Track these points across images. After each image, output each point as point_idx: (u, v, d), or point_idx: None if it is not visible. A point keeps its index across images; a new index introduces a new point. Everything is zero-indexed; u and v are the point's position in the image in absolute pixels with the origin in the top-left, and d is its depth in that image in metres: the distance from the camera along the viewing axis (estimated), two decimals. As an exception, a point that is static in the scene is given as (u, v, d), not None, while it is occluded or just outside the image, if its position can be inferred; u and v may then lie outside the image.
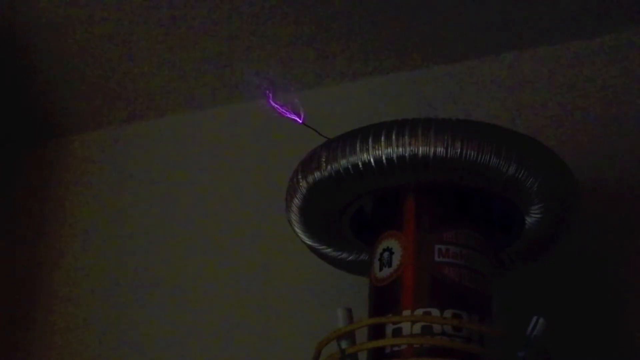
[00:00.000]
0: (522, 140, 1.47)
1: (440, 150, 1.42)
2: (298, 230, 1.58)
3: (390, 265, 1.47)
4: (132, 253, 1.98)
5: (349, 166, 1.46)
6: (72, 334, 1.95)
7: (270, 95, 1.60)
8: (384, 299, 1.47)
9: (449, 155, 1.42)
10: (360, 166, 1.45)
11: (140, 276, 1.95)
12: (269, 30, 1.87)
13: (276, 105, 1.59)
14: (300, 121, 1.58)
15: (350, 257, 1.62)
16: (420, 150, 1.42)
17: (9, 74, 1.99)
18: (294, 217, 1.56)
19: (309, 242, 1.60)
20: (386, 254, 1.48)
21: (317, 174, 1.48)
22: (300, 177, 1.51)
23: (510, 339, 1.45)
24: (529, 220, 1.51)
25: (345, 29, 1.86)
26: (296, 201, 1.53)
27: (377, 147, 1.44)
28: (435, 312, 1.42)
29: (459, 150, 1.42)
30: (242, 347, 1.83)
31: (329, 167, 1.47)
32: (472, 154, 1.42)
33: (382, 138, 1.44)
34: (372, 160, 1.44)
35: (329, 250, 1.62)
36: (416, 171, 1.44)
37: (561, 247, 1.58)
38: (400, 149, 1.43)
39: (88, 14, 1.86)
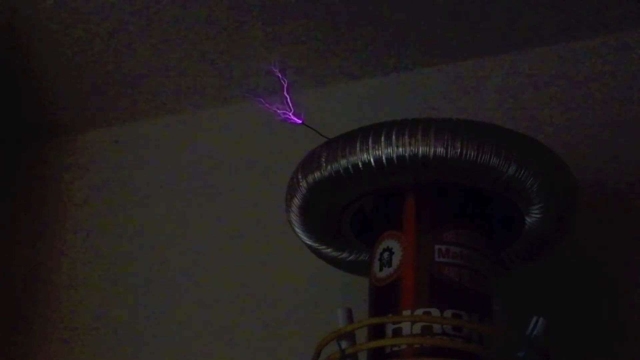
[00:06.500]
0: (522, 140, 1.47)
1: (440, 150, 1.42)
2: (298, 230, 1.58)
3: (390, 265, 1.47)
4: (132, 253, 1.98)
5: (349, 166, 1.45)
6: (72, 334, 1.95)
7: (269, 95, 1.60)
8: (384, 299, 1.47)
9: (449, 155, 1.42)
10: (360, 166, 1.45)
11: (140, 276, 1.95)
12: (269, 31, 1.86)
13: (276, 105, 1.59)
14: (300, 121, 1.57)
15: (350, 257, 1.62)
16: (420, 150, 1.42)
17: (9, 74, 1.99)
18: (294, 217, 1.55)
19: (309, 242, 1.60)
20: (386, 254, 1.48)
21: (317, 174, 1.48)
22: (300, 177, 1.50)
23: (510, 339, 1.45)
24: (529, 220, 1.51)
25: (345, 30, 1.85)
26: (296, 201, 1.53)
27: (377, 147, 1.43)
28: (435, 312, 1.42)
29: (459, 150, 1.41)
30: (242, 347, 1.83)
31: (329, 167, 1.47)
32: (472, 154, 1.41)
33: (382, 138, 1.43)
34: (372, 160, 1.44)
35: (329, 250, 1.62)
36: (416, 171, 1.44)
37: (561, 247, 1.58)
38: (400, 149, 1.42)
39: (88, 14, 1.86)
